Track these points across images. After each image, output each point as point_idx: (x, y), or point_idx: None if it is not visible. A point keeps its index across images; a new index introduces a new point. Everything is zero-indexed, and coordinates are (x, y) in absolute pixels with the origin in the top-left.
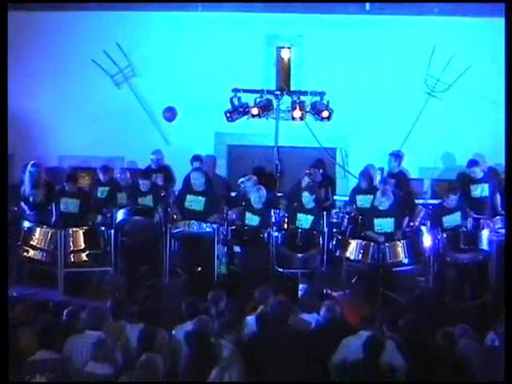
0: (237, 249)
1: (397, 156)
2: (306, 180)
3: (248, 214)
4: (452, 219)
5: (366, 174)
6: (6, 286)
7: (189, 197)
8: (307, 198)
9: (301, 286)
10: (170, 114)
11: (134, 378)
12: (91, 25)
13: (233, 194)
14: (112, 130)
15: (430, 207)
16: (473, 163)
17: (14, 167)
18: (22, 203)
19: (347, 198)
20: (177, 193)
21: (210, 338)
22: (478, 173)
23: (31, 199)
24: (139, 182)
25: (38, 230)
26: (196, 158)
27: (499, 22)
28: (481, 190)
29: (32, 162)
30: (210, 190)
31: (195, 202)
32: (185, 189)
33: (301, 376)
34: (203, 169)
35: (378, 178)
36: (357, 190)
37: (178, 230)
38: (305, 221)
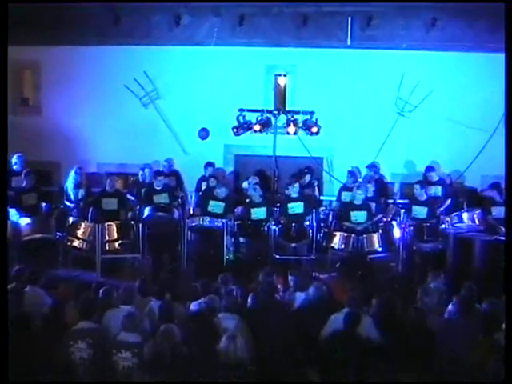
0: (242, 239)
1: (371, 166)
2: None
3: (253, 210)
4: (421, 211)
5: (353, 173)
6: (6, 286)
7: (212, 202)
8: (295, 188)
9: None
10: (205, 133)
11: (154, 345)
12: (123, 56)
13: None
14: (140, 143)
15: (400, 205)
16: (429, 169)
17: (61, 173)
18: (67, 201)
19: (332, 198)
20: (195, 196)
21: (217, 312)
22: (434, 176)
23: (74, 198)
24: (153, 181)
25: (81, 223)
26: (209, 164)
27: (459, 55)
28: (435, 191)
29: (76, 167)
30: (228, 196)
31: (217, 207)
32: (207, 195)
33: (293, 345)
34: (216, 174)
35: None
36: (343, 187)
37: (193, 224)
38: (296, 208)
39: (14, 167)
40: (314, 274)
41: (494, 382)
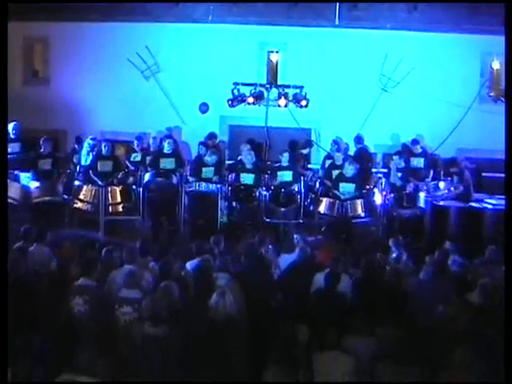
0: (235, 204)
1: (358, 138)
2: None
3: (242, 174)
4: (397, 178)
5: (336, 142)
6: (6, 285)
7: (203, 169)
8: (285, 158)
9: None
10: (205, 107)
11: (153, 300)
12: (126, 33)
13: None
14: (141, 112)
15: (380, 175)
16: (414, 142)
17: (67, 140)
18: (73, 166)
19: (319, 166)
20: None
21: (210, 271)
22: (418, 149)
23: (82, 163)
24: (163, 146)
25: (85, 187)
26: (213, 135)
27: (438, 36)
28: (417, 162)
29: (90, 136)
30: (218, 162)
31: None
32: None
33: (280, 302)
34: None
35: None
36: (327, 156)
37: (191, 189)
38: (285, 176)
39: (11, 133)
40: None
41: (494, 382)
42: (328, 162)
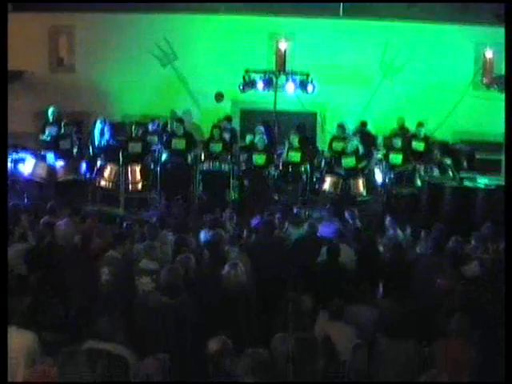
0: (245, 182)
1: (362, 123)
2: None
3: (254, 156)
4: (396, 157)
5: (341, 125)
6: (6, 284)
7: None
8: (294, 139)
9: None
10: (220, 97)
11: (171, 271)
12: (145, 23)
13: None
14: (159, 96)
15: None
16: (419, 125)
17: (90, 122)
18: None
19: (324, 147)
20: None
21: (223, 244)
22: (421, 133)
23: (98, 144)
24: (174, 128)
25: (107, 166)
26: (228, 118)
27: (435, 27)
28: (418, 145)
29: (100, 118)
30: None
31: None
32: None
33: (288, 273)
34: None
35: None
36: (334, 138)
37: (204, 168)
38: (294, 157)
39: (50, 118)
40: (307, 212)
41: (494, 382)
42: (334, 143)
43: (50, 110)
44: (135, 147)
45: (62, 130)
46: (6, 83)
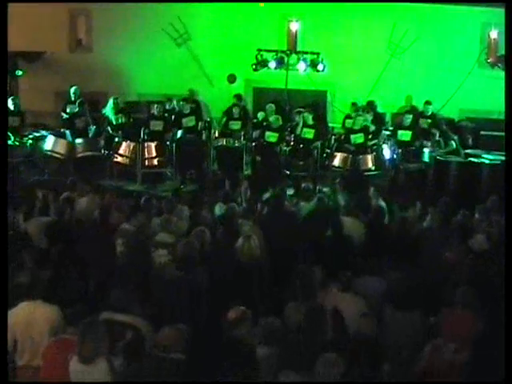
0: (258, 158)
1: (369, 102)
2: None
3: (267, 133)
4: (405, 135)
5: (355, 104)
6: (7, 282)
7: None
8: (308, 117)
9: (303, 185)
10: (233, 78)
11: (187, 244)
12: (162, 4)
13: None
14: (173, 75)
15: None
16: (426, 103)
17: (108, 101)
18: (109, 126)
19: (334, 125)
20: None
21: (236, 218)
22: (430, 110)
23: (115, 122)
24: (182, 108)
25: (124, 143)
26: (239, 96)
27: (441, 7)
28: (426, 123)
29: (113, 97)
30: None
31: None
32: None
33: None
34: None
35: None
36: (347, 116)
37: (218, 144)
38: (308, 133)
39: (72, 97)
40: (317, 187)
41: (494, 382)
42: (346, 121)
43: (72, 89)
44: (157, 125)
45: (77, 109)
46: (5, 82)
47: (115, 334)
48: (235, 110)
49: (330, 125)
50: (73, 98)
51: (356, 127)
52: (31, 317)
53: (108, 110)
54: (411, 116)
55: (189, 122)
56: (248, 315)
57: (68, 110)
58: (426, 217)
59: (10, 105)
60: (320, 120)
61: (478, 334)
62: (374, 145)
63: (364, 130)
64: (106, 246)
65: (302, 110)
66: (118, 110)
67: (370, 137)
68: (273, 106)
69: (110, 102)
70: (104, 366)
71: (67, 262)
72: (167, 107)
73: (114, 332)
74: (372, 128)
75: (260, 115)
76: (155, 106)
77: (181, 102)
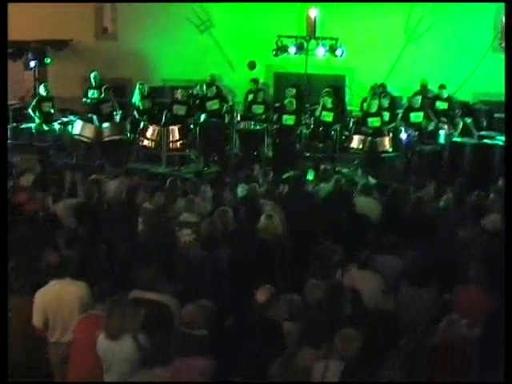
0: (278, 140)
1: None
2: (324, 96)
3: (284, 116)
4: (416, 116)
5: (373, 87)
6: (7, 281)
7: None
8: (327, 101)
9: (322, 167)
10: (253, 65)
11: (210, 223)
12: None
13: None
14: (196, 61)
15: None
16: (441, 87)
17: (133, 87)
18: (136, 111)
19: (352, 108)
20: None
21: (258, 198)
22: (445, 93)
23: (142, 107)
24: (207, 92)
25: (149, 127)
26: (255, 80)
27: None
28: (442, 106)
29: (139, 83)
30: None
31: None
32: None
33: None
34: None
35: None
36: (364, 100)
37: (240, 128)
38: (327, 116)
39: (92, 82)
40: (336, 168)
41: (494, 382)
42: (364, 105)
43: (92, 75)
44: (179, 109)
45: (103, 95)
46: (5, 81)
47: (144, 312)
48: (258, 95)
49: (348, 108)
50: (93, 84)
51: (372, 110)
52: (61, 294)
53: (135, 96)
54: (420, 97)
55: (213, 105)
56: (275, 295)
57: (89, 95)
58: (441, 197)
59: (43, 91)
60: (339, 103)
61: (489, 310)
62: (391, 127)
63: (379, 113)
64: (132, 226)
65: (324, 93)
66: (144, 96)
67: (385, 120)
68: (293, 90)
69: (137, 88)
70: (130, 342)
71: (95, 242)
72: (191, 92)
73: (143, 309)
74: (388, 111)
75: (281, 99)
76: (178, 90)
77: (204, 86)
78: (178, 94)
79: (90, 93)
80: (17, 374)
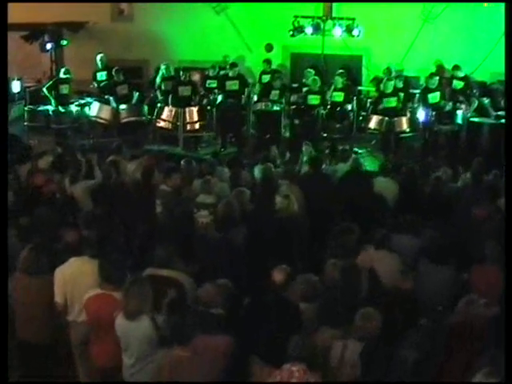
0: (296, 121)
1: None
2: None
3: (309, 96)
4: (433, 97)
5: (388, 68)
6: (7, 279)
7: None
8: (338, 81)
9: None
10: (270, 47)
11: (227, 204)
12: None
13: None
14: (213, 42)
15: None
16: (457, 67)
17: (149, 68)
18: (157, 92)
19: (369, 88)
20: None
21: (275, 178)
22: (460, 73)
23: (162, 88)
24: (228, 71)
25: (167, 108)
26: (268, 60)
27: None
28: (459, 85)
29: (164, 64)
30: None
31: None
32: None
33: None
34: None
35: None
36: (380, 80)
37: (257, 108)
38: (337, 96)
39: (99, 64)
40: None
41: (494, 382)
42: (381, 85)
43: (99, 57)
44: (184, 91)
45: (116, 77)
46: (5, 79)
47: (158, 289)
48: (274, 76)
49: (364, 88)
50: (100, 66)
51: (388, 91)
52: (80, 271)
53: (158, 77)
54: (437, 78)
55: (232, 85)
56: (291, 275)
57: (98, 78)
58: (459, 177)
59: (62, 74)
60: (350, 84)
61: (505, 289)
62: (408, 107)
63: (395, 93)
64: (149, 207)
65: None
66: (165, 77)
67: (401, 100)
68: (312, 70)
69: (162, 68)
70: (147, 322)
71: (112, 223)
72: (211, 73)
73: (157, 287)
74: (403, 92)
75: (299, 80)
76: (180, 72)
77: (229, 67)
78: (181, 75)
79: (99, 75)
80: (39, 357)
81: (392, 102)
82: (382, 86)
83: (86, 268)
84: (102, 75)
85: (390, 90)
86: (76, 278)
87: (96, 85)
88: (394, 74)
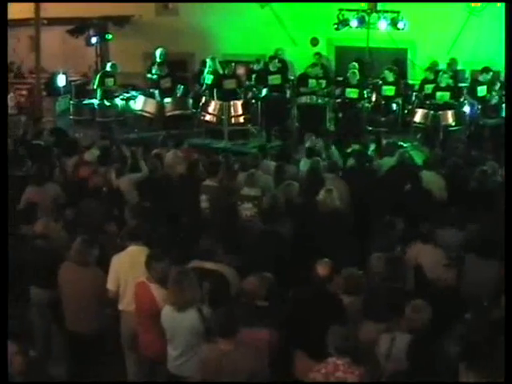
0: (341, 114)
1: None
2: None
3: (348, 89)
4: (482, 90)
5: (434, 62)
6: (7, 279)
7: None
8: (389, 75)
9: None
10: (316, 41)
11: (273, 197)
12: None
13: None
14: (257, 36)
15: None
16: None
17: (194, 61)
18: (199, 84)
19: (414, 81)
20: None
21: (320, 171)
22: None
23: (207, 81)
24: (269, 66)
25: (212, 102)
26: (319, 54)
27: None
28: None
29: (211, 56)
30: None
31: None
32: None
33: (381, 199)
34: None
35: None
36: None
37: (301, 102)
38: (388, 91)
39: (158, 58)
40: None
41: (494, 382)
42: (426, 79)
43: (159, 51)
44: (228, 84)
45: (159, 71)
46: (6, 78)
47: (203, 282)
48: (319, 69)
49: (410, 82)
50: (158, 60)
51: (442, 84)
52: (136, 260)
53: (204, 70)
54: (491, 72)
55: (275, 79)
56: (334, 269)
57: (154, 71)
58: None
59: (108, 67)
60: (400, 78)
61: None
62: (454, 101)
63: (449, 87)
64: (193, 199)
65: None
66: (211, 71)
67: (449, 94)
68: (356, 64)
69: (208, 61)
70: (194, 313)
71: (159, 215)
72: (256, 67)
73: (202, 279)
74: (451, 85)
75: (344, 74)
76: (223, 65)
77: (273, 60)
78: (226, 69)
79: (155, 69)
80: (87, 348)
81: (445, 96)
82: (428, 79)
83: (143, 257)
84: (157, 70)
85: (445, 83)
86: (131, 267)
87: (152, 78)
88: (440, 67)
